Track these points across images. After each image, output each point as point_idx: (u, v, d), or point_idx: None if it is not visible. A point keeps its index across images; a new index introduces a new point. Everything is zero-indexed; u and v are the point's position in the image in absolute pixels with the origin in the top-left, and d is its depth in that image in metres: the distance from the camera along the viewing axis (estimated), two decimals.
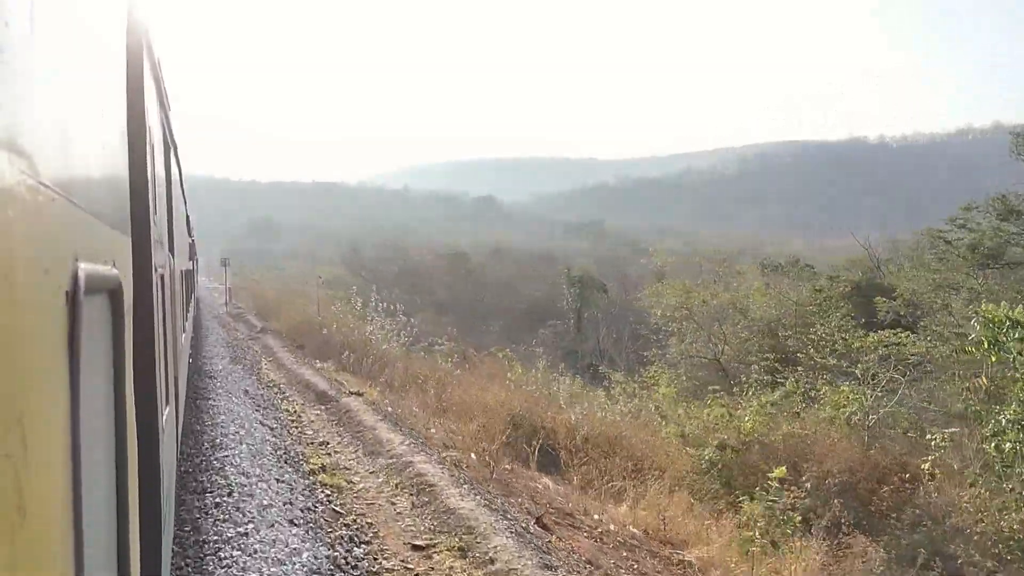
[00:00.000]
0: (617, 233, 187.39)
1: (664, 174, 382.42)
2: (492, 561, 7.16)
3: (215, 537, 7.59)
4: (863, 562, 10.40)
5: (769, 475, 10.08)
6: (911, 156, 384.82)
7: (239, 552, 7.22)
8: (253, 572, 6.79)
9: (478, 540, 7.63)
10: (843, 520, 11.56)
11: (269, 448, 11.33)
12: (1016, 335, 10.03)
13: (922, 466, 12.86)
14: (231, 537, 7.58)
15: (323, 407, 15.56)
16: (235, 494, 8.87)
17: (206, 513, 8.27)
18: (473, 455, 11.68)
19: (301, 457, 11.19)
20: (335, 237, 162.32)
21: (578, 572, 7.42)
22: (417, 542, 7.86)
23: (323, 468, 10.62)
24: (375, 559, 7.47)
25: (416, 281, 66.42)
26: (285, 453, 11.22)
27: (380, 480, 10.19)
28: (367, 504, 9.25)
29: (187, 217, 14.67)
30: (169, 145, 6.33)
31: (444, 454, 11.15)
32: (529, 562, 6.98)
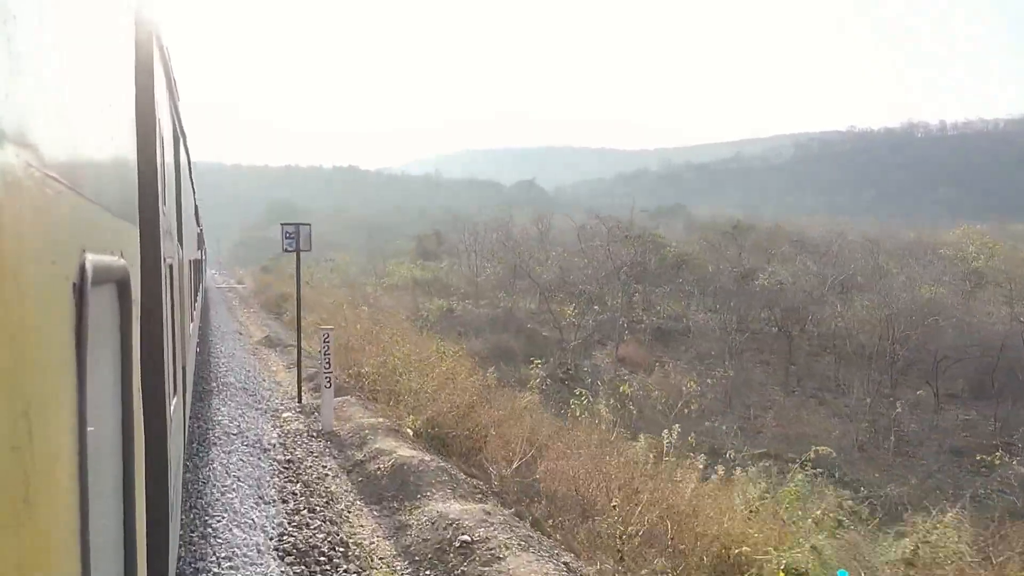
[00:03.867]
0: (706, 219, 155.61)
1: (711, 160, 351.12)
2: None
3: None
4: None
5: None
6: (973, 143, 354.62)
7: None
8: None
9: None
10: None
11: None
12: None
13: None
14: None
15: None
16: None
17: None
18: None
19: None
20: (370, 224, 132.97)
21: None
22: None
23: None
24: None
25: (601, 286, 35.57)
26: None
27: None
28: None
29: (195, 207, 13.45)
30: (178, 135, 6.28)
31: None
32: None
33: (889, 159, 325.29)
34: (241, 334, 25.95)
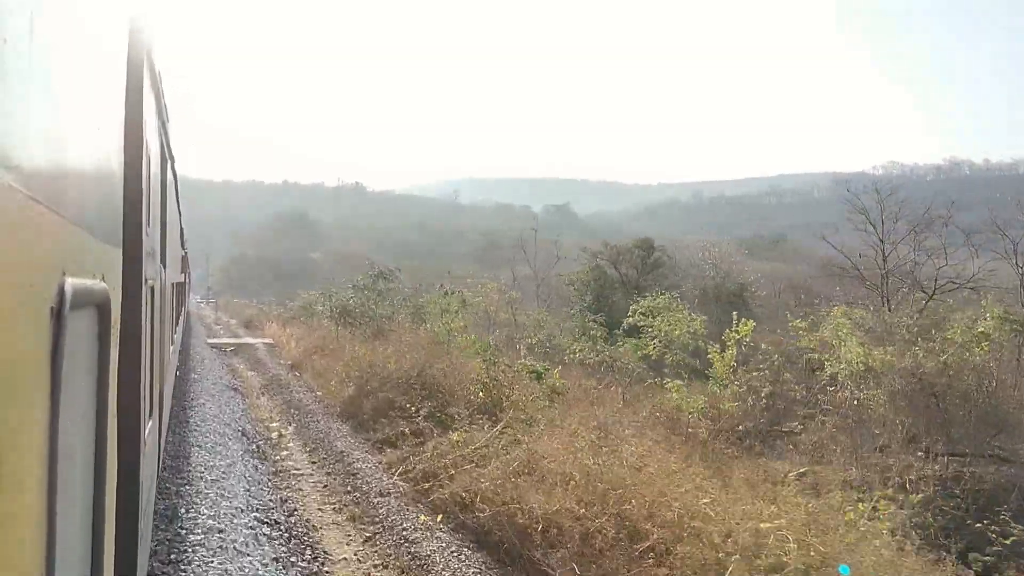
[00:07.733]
0: (800, 251, 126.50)
1: (744, 193, 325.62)
2: None
3: None
4: None
5: None
6: (1021, 182, 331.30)
7: None
8: None
9: None
10: None
11: None
12: None
13: None
14: None
15: None
16: None
17: None
18: None
19: None
20: (395, 243, 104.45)
21: None
22: None
23: None
24: None
25: None
26: None
27: None
28: None
29: (181, 229, 13.69)
30: (166, 157, 6.33)
31: None
32: None
33: (936, 197, 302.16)
34: None
